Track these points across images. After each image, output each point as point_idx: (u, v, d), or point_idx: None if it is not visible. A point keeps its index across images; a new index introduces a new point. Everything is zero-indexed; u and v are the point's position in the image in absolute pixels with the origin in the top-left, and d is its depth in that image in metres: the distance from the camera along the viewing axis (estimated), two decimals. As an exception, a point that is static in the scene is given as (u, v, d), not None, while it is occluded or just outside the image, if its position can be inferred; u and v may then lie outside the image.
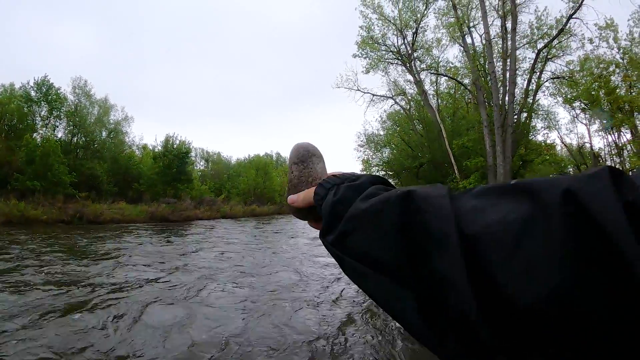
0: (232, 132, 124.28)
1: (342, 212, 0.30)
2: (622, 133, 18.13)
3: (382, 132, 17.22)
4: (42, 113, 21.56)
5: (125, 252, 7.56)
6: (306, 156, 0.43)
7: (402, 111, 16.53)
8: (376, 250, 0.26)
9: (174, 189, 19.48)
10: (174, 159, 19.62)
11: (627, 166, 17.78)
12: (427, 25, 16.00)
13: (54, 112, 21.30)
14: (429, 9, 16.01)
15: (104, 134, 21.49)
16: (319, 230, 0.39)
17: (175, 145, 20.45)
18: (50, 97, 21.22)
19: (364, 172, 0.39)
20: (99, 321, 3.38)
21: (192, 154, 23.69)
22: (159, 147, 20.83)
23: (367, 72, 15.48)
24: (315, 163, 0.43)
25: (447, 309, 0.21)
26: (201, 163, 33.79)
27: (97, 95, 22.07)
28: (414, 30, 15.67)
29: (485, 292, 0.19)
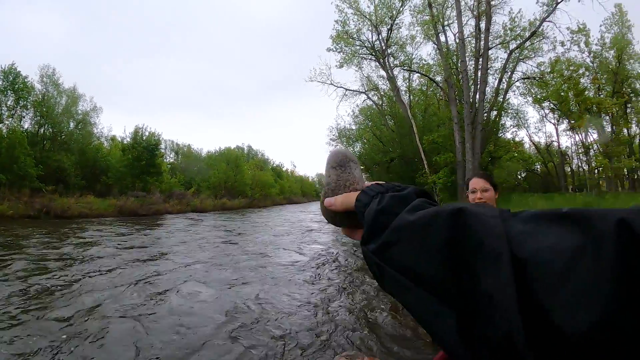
0: (203, 124, 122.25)
1: (387, 221, 0.29)
2: (589, 133, 18.80)
3: (354, 127, 17.32)
4: (9, 103, 20.59)
5: (102, 247, 7.19)
6: (345, 161, 0.42)
7: (374, 106, 16.61)
8: (420, 264, 0.25)
9: (143, 182, 18.92)
10: (143, 151, 19.03)
11: (592, 164, 18.41)
12: (402, 22, 16.09)
13: (20, 101, 20.36)
14: (404, 6, 16.09)
15: (71, 124, 20.58)
16: (349, 236, 0.41)
17: (144, 137, 19.87)
18: (17, 86, 20.27)
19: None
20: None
21: (162, 146, 23.14)
22: (128, 139, 20.25)
23: (341, 66, 15.48)
24: (353, 168, 0.42)
25: (491, 330, 0.21)
26: (171, 155, 33.09)
27: (65, 84, 21.18)
28: (388, 27, 15.73)
29: (532, 317, 0.19)
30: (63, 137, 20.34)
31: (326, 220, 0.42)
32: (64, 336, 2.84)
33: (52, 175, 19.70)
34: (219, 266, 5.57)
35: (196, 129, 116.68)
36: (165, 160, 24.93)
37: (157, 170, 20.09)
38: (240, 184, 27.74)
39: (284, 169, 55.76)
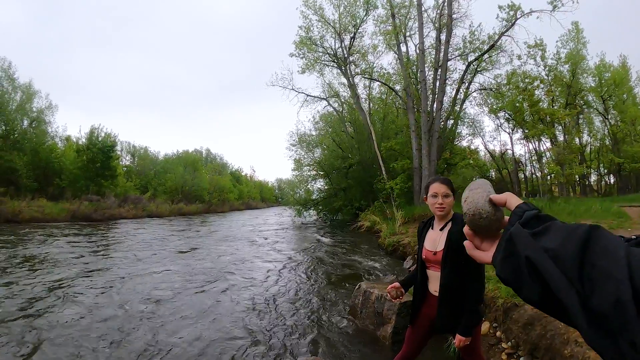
0: (161, 126, 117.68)
1: (543, 221, 0.40)
2: (542, 141, 19.87)
3: (314, 133, 17.42)
4: (-45, 97, 19.20)
5: (49, 254, 6.70)
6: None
7: (334, 113, 16.83)
8: (561, 248, 0.35)
9: (98, 185, 18.14)
10: (98, 152, 18.26)
11: (545, 171, 19.49)
12: (365, 31, 16.38)
13: (-31, 96, 19.03)
14: (368, 16, 16.38)
15: (25, 122, 19.43)
16: (472, 252, 0.51)
17: (100, 138, 19.08)
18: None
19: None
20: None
21: (118, 147, 22.34)
22: (83, 140, 19.34)
23: (303, 72, 15.53)
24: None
25: (604, 297, 0.30)
26: (127, 158, 31.11)
27: (20, 79, 19.99)
28: (352, 35, 15.97)
29: (633, 288, 0.29)
30: (16, 135, 19.13)
31: (472, 227, 0.50)
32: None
33: (3, 176, 18.51)
34: (172, 276, 5.34)
35: (154, 130, 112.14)
36: (121, 162, 23.96)
37: (112, 173, 19.37)
38: (197, 189, 27.08)
39: (243, 174, 54.63)
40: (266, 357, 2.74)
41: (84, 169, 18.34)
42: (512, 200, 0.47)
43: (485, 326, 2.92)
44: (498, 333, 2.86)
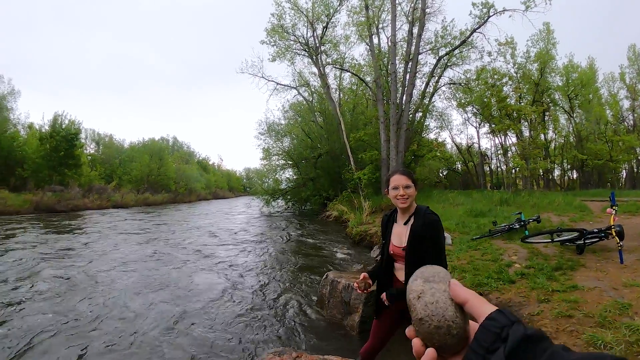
0: (127, 112, 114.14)
1: (535, 346, 0.30)
2: (508, 136, 20.73)
3: (283, 122, 17.45)
4: None
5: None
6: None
7: (304, 102, 16.90)
8: None
9: (61, 175, 17.54)
10: (61, 140, 17.62)
11: (510, 165, 20.36)
12: (338, 21, 16.42)
13: None
14: (342, 5, 16.38)
15: (-16, 110, 18.43)
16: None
17: (64, 126, 18.36)
18: None
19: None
20: None
21: (82, 135, 21.52)
22: (46, 127, 18.58)
23: (274, 60, 15.45)
24: None
25: None
26: (91, 146, 30.08)
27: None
28: (324, 24, 15.97)
29: None
30: (-24, 123, 18.04)
31: (429, 341, 0.35)
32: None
33: (-38, 166, 17.48)
34: (136, 274, 5.01)
35: (120, 115, 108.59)
36: (85, 151, 23.13)
37: (75, 162, 18.74)
38: (163, 178, 26.57)
39: (210, 163, 54.14)
40: (235, 347, 2.73)
41: (47, 158, 17.62)
42: (482, 306, 0.33)
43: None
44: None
